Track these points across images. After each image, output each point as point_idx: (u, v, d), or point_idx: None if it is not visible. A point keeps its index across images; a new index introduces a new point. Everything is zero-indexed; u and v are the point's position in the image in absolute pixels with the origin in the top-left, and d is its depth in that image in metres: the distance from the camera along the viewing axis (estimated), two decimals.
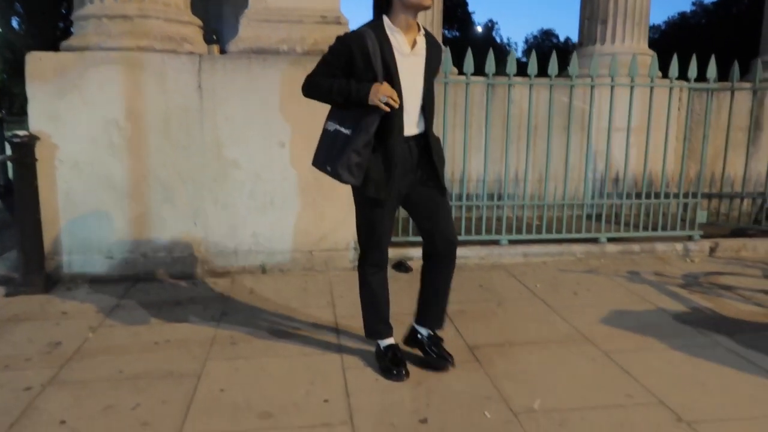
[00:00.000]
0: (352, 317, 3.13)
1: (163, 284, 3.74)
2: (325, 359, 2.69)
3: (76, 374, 2.54)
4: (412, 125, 2.41)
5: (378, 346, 2.67)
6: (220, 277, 3.87)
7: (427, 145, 2.46)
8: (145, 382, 2.48)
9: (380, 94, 2.24)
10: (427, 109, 2.42)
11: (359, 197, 2.49)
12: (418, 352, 2.68)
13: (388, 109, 2.27)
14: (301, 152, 3.82)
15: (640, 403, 2.32)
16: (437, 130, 2.58)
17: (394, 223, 2.64)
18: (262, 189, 3.90)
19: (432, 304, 2.66)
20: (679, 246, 4.46)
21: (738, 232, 4.87)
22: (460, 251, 4.41)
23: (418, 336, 2.70)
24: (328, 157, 2.37)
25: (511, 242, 4.34)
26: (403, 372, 2.52)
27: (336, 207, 3.97)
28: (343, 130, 2.36)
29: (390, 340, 2.65)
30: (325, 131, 2.47)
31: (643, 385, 2.46)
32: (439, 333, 2.74)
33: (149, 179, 3.78)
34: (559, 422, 2.18)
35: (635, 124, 4.57)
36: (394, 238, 3.13)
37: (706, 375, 2.56)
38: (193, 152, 3.80)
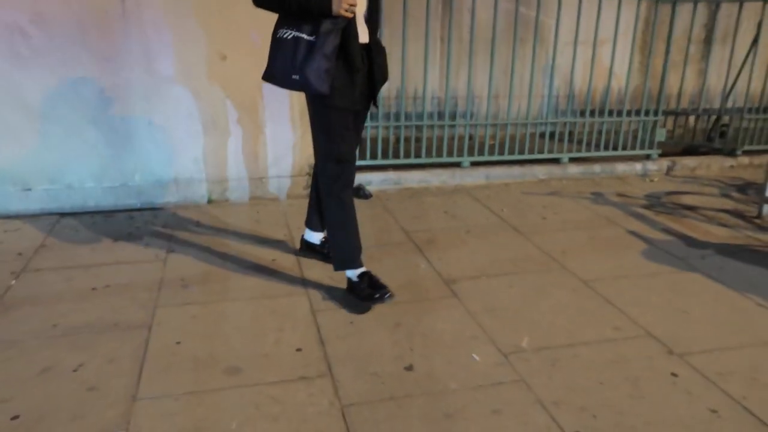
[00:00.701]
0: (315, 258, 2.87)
1: (94, 219, 3.31)
2: (291, 302, 2.44)
3: (1, 332, 2.18)
4: (362, 34, 2.25)
5: (349, 278, 2.46)
6: (160, 210, 3.47)
7: (370, 57, 2.29)
8: (86, 337, 2.16)
9: (344, 3, 2.06)
10: (373, 19, 2.28)
11: (322, 109, 2.26)
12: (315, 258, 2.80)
13: (351, 16, 2.11)
14: (246, 65, 3.37)
15: (629, 337, 2.23)
16: (394, 43, 2.32)
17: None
18: (201, 108, 3.45)
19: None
20: (638, 166, 4.40)
21: (690, 150, 4.87)
22: (421, 175, 4.22)
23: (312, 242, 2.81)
24: (293, 65, 2.12)
25: (473, 164, 4.13)
26: (387, 293, 2.35)
27: (286, 128, 3.59)
28: (304, 36, 2.12)
29: (363, 268, 2.46)
30: (279, 40, 2.17)
31: (628, 316, 2.38)
32: (414, 267, 2.53)
33: (68, 96, 3.25)
34: (552, 361, 2.06)
35: (600, 37, 4.34)
36: None
37: (688, 302, 2.50)
38: (119, 65, 3.27)
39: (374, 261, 2.78)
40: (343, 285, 2.53)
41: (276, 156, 3.63)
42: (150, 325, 2.24)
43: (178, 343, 2.13)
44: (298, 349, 2.11)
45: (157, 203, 3.52)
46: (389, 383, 1.93)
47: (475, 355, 2.09)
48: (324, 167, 2.34)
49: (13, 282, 2.55)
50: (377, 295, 2.35)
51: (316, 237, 2.80)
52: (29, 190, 3.33)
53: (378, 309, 2.38)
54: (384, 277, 2.47)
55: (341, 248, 2.43)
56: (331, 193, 2.36)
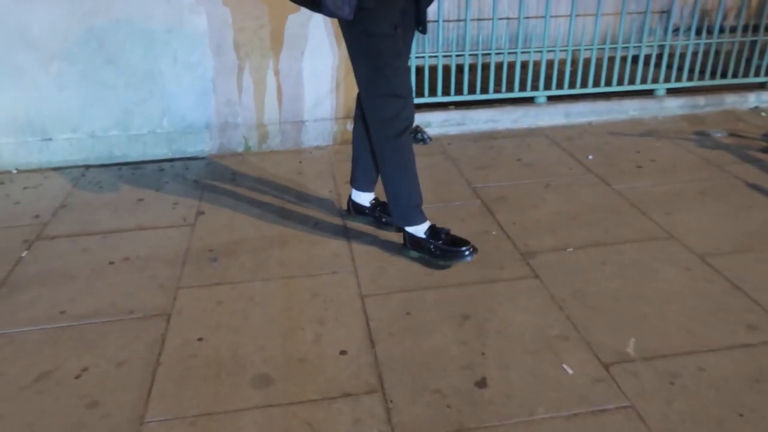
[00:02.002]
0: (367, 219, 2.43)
1: (122, 172, 2.97)
2: (335, 281, 2.03)
3: (2, 321, 1.88)
4: None
5: (412, 235, 2.10)
6: (193, 160, 3.09)
7: None
8: (95, 329, 1.83)
9: None
10: None
11: (359, 36, 1.85)
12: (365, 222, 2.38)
13: None
14: None
15: None
16: None
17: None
18: (233, 41, 2.97)
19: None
20: (752, 97, 3.65)
21: None
22: (489, 114, 3.65)
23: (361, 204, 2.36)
24: None
25: (550, 100, 3.51)
26: (469, 248, 2.04)
27: (330, 63, 3.07)
28: None
29: (427, 222, 2.10)
30: None
31: (764, 308, 1.85)
32: (483, 234, 2.07)
33: (79, 31, 2.83)
34: (669, 377, 1.58)
35: None
36: None
37: None
38: None
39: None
40: (399, 256, 2.10)
41: (319, 96, 3.14)
42: (169, 314, 1.89)
43: (200, 339, 1.77)
44: (342, 352, 1.71)
45: (189, 152, 3.13)
46: (457, 406, 1.51)
47: (566, 366, 1.63)
48: (373, 107, 1.91)
49: (25, 253, 2.25)
50: (463, 250, 2.02)
51: (364, 198, 2.35)
52: (50, 140, 3.00)
53: (441, 294, 1.94)
54: None
55: (402, 201, 2.07)
56: (386, 137, 1.96)
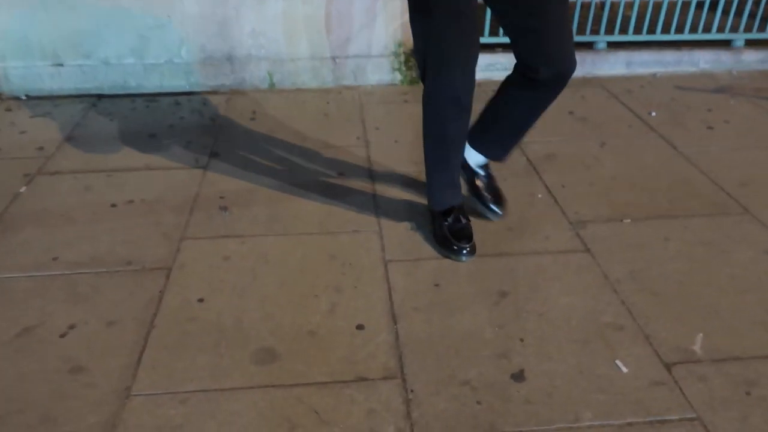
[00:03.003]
0: (396, 162, 2.18)
1: (135, 104, 2.74)
2: (356, 242, 1.80)
3: None
4: None
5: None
6: (212, 94, 2.84)
7: None
8: (88, 281, 1.64)
9: None
10: None
11: None
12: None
13: None
14: None
15: None
16: None
17: (476, 29, 1.56)
18: None
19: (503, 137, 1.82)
20: None
21: None
22: None
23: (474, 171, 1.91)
24: None
25: (610, 46, 3.12)
26: (465, 249, 1.70)
27: None
28: None
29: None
30: None
31: None
32: (528, 197, 1.80)
33: None
34: (745, 385, 1.33)
35: None
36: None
37: None
38: None
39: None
40: (424, 212, 1.86)
41: (353, 30, 2.83)
42: (170, 268, 1.69)
43: (201, 300, 1.57)
44: (359, 326, 1.49)
45: (208, 86, 2.88)
46: (488, 403, 1.29)
47: (619, 363, 1.39)
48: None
49: (23, 189, 2.07)
50: (455, 248, 1.71)
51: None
52: (61, 65, 2.78)
53: (476, 265, 1.70)
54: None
55: (433, 184, 1.80)
56: (424, 101, 1.66)
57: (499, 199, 1.89)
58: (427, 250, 1.76)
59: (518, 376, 1.35)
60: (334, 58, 2.88)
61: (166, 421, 1.25)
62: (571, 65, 1.58)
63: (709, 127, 2.52)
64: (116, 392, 1.31)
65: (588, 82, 2.99)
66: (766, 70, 3.13)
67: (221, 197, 2.03)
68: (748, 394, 1.31)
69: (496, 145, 1.82)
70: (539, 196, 2.04)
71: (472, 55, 1.53)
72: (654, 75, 3.08)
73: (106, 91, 2.83)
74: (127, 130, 2.48)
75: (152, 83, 2.85)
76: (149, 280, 1.64)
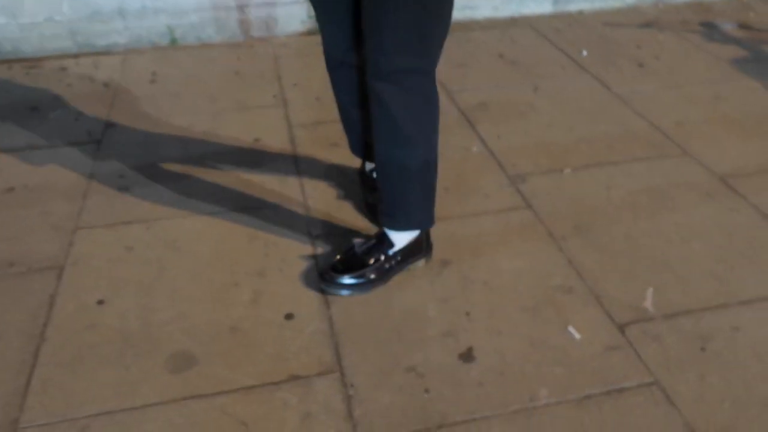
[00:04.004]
0: (319, 123, 1.98)
1: (12, 71, 2.37)
2: (278, 216, 1.60)
3: None
4: None
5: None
6: (104, 55, 2.51)
7: None
8: None
9: None
10: None
11: None
12: None
13: None
14: None
15: None
16: None
17: None
18: None
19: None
20: None
21: None
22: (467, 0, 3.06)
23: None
24: None
25: None
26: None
27: None
28: None
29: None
30: None
31: None
32: (462, 150, 1.65)
33: None
34: (700, 340, 1.26)
35: None
36: None
37: None
38: None
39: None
40: (355, 179, 1.69)
41: None
42: (62, 266, 1.45)
43: (101, 302, 1.35)
44: (288, 316, 1.32)
45: (99, 46, 2.53)
46: (437, 390, 1.17)
47: (572, 329, 1.30)
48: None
49: None
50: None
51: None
52: None
53: None
54: None
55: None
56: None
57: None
58: (359, 220, 1.60)
59: (467, 356, 1.23)
60: (243, 7, 2.59)
61: None
62: (371, 62, 1.23)
63: (640, 65, 2.44)
64: (0, 427, 1.10)
65: (515, 22, 2.84)
66: (691, 2, 3.08)
67: (120, 175, 1.77)
68: (703, 349, 1.25)
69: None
70: (474, 149, 1.90)
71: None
72: (581, 12, 2.96)
73: None
74: (4, 103, 2.14)
75: (31, 45, 2.47)
76: (37, 283, 1.40)
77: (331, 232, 1.55)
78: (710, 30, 2.77)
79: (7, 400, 1.14)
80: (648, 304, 1.36)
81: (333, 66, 1.45)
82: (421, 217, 1.39)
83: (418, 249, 1.43)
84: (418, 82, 1.25)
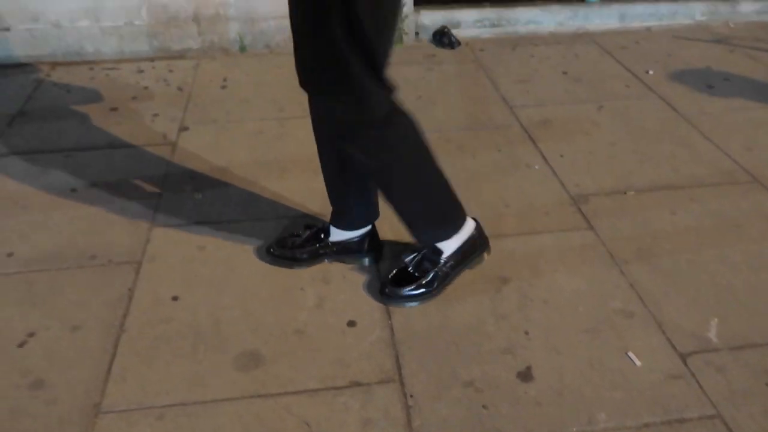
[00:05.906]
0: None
1: (93, 73, 2.52)
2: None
3: None
4: None
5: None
6: (179, 60, 2.62)
7: None
8: (47, 279, 1.48)
9: None
10: None
11: None
12: None
13: None
14: None
15: None
16: None
17: None
18: None
19: None
20: None
21: None
22: (531, 13, 3.00)
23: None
24: None
25: None
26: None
27: None
28: None
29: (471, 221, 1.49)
30: None
31: None
32: (524, 169, 1.66)
33: None
34: (766, 374, 1.24)
35: None
36: None
37: None
38: None
39: (462, 153, 1.92)
40: None
41: None
42: (140, 261, 1.54)
43: (175, 298, 1.43)
44: (351, 323, 1.37)
45: (174, 50, 2.65)
46: (495, 406, 1.19)
47: (632, 355, 1.29)
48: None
49: None
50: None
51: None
52: (7, 29, 2.53)
53: None
54: (474, 184, 1.61)
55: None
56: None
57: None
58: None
59: (525, 375, 1.25)
60: None
61: None
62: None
63: (710, 86, 2.39)
64: (83, 409, 1.18)
65: (579, 37, 2.83)
66: (764, 21, 2.99)
67: (192, 177, 1.86)
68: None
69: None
70: (536, 167, 1.91)
71: None
72: (648, 29, 2.92)
73: (60, 59, 2.59)
74: (87, 103, 2.27)
75: (111, 48, 2.61)
76: (116, 277, 1.49)
77: (396, 238, 1.59)
78: None
79: (88, 386, 1.22)
80: (712, 334, 1.34)
81: None
82: (446, 226, 1.42)
83: (473, 248, 1.46)
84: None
